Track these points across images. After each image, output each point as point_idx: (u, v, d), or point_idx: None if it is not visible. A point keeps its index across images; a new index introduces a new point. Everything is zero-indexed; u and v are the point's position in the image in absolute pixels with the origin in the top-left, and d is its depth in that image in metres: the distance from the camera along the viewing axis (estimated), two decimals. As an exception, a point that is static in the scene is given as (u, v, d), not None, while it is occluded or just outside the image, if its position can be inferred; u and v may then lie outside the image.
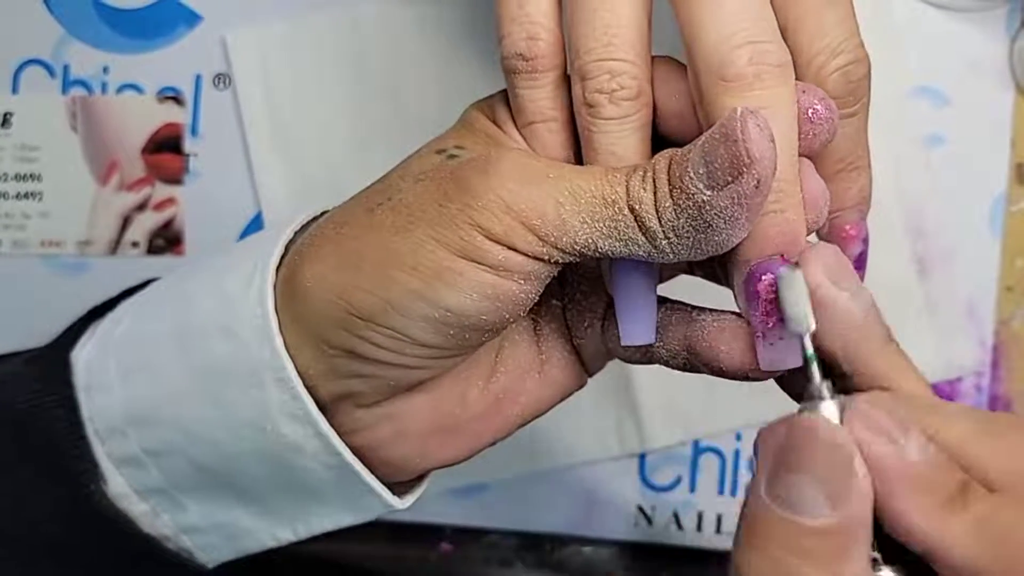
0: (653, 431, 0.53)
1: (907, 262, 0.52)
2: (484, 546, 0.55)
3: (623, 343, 0.35)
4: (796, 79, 0.34)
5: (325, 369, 0.34)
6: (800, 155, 0.32)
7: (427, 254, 0.32)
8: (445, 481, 0.53)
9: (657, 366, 0.36)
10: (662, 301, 0.35)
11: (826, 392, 0.30)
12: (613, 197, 0.31)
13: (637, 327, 0.35)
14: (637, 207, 0.31)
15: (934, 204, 0.52)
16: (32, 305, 0.54)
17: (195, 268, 0.38)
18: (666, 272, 0.38)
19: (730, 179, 0.29)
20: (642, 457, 0.54)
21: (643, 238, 0.31)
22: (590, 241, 0.31)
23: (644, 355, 0.36)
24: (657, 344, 0.35)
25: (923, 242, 0.52)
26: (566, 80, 0.35)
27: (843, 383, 0.32)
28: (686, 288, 0.37)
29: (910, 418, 0.30)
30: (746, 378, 0.33)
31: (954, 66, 0.52)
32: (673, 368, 0.35)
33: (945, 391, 0.53)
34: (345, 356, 0.34)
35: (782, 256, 0.32)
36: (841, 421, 0.30)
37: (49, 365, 0.37)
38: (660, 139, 0.35)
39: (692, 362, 0.34)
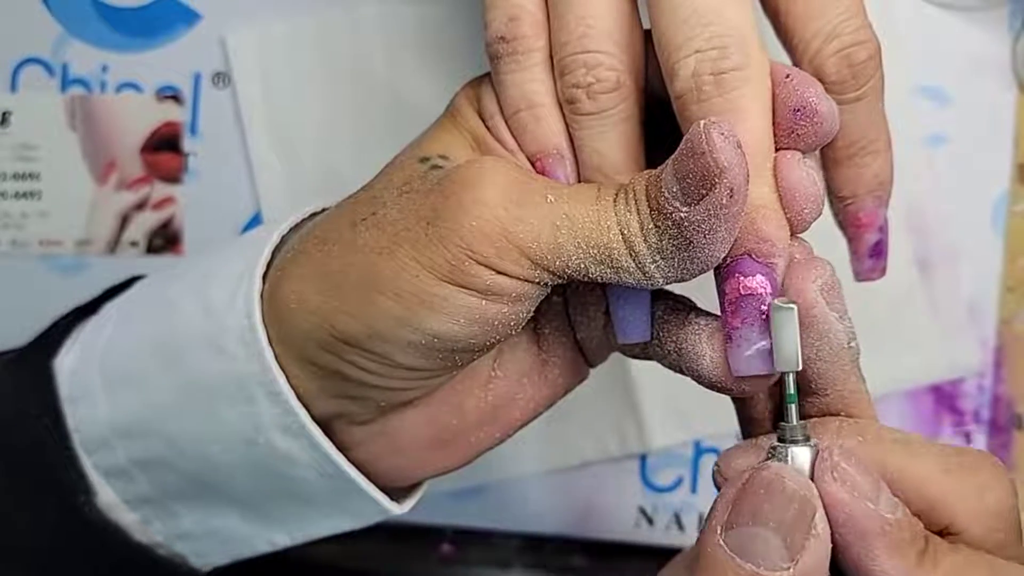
0: (654, 432, 0.53)
1: (908, 262, 0.52)
2: (485, 547, 0.55)
3: (619, 340, 0.34)
4: (794, 64, 0.33)
5: (315, 388, 0.33)
6: (798, 148, 0.31)
7: (410, 279, 0.31)
8: (445, 483, 0.52)
9: (657, 366, 0.35)
10: (665, 295, 0.34)
11: (800, 435, 0.30)
12: (608, 223, 0.30)
13: (632, 325, 0.34)
14: (626, 231, 0.30)
15: (936, 204, 0.52)
16: (31, 305, 0.53)
17: (179, 272, 0.37)
18: None
19: (704, 192, 0.28)
20: (643, 458, 0.54)
21: (633, 264, 0.30)
22: (582, 266, 0.31)
23: (642, 351, 0.35)
24: (653, 341, 0.34)
25: (924, 242, 0.52)
26: (551, 63, 0.34)
27: (806, 400, 0.32)
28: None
29: (879, 457, 0.30)
30: (723, 390, 0.32)
31: (956, 65, 0.52)
32: (666, 367, 0.34)
33: (947, 392, 0.53)
34: (333, 377, 0.33)
35: (750, 255, 0.31)
36: (812, 466, 0.30)
37: (32, 373, 0.37)
38: (657, 128, 0.34)
39: (679, 364, 0.33)
